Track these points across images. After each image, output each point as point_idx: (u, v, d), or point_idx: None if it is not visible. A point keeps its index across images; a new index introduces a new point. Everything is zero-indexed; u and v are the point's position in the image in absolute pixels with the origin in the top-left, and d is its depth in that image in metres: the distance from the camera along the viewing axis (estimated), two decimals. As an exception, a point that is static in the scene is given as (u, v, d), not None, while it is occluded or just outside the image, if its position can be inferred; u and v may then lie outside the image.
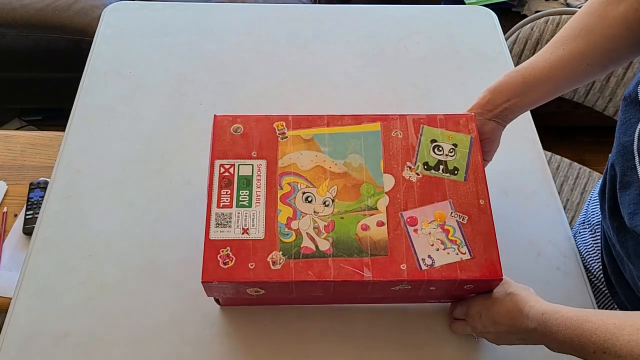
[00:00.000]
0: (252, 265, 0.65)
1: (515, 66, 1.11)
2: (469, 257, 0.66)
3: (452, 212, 0.69)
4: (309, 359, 0.72)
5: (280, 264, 0.65)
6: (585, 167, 1.32)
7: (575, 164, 1.33)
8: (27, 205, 1.19)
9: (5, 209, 1.20)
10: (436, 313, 0.76)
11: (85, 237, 0.81)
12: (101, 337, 0.73)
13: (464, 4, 1.73)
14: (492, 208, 0.71)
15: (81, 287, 0.77)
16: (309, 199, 0.70)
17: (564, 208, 0.93)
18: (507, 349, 0.73)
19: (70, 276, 0.78)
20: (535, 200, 0.89)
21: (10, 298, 0.76)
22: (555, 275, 0.81)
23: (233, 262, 0.65)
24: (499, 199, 0.87)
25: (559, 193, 1.06)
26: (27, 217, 1.17)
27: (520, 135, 0.98)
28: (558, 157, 1.34)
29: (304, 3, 1.64)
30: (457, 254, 0.66)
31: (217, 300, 0.75)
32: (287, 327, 0.75)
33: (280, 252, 0.66)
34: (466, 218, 0.69)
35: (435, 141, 0.75)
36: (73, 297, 0.76)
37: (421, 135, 0.75)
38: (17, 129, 1.88)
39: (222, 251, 0.66)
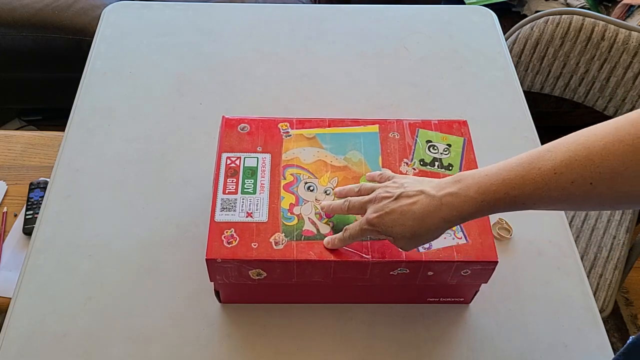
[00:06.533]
0: (255, 245, 0.67)
1: (514, 65, 1.11)
2: (465, 241, 0.68)
3: None
4: (309, 359, 0.72)
5: (282, 244, 0.67)
6: (585, 167, 1.32)
7: (575, 164, 1.33)
8: (27, 205, 1.19)
9: (5, 209, 1.20)
10: (436, 313, 0.76)
11: (85, 237, 0.81)
12: (101, 337, 0.73)
13: (464, 4, 1.73)
14: (492, 208, 0.72)
15: (81, 287, 0.77)
16: (311, 188, 0.73)
17: (564, 208, 0.93)
18: (509, 349, 0.73)
19: (70, 276, 0.78)
20: (535, 200, 0.89)
21: (10, 298, 0.76)
22: (555, 275, 0.81)
23: (237, 241, 0.67)
24: (499, 199, 0.86)
25: (559, 193, 1.06)
26: (27, 217, 1.17)
27: (520, 135, 0.98)
28: (558, 157, 1.34)
29: (304, 3, 1.64)
30: (454, 239, 0.68)
31: (217, 297, 0.75)
32: (287, 327, 0.75)
33: (283, 234, 0.68)
34: None
35: (431, 141, 0.79)
36: (73, 297, 0.76)
37: (417, 136, 0.79)
38: (17, 129, 1.88)
39: (227, 232, 0.68)
